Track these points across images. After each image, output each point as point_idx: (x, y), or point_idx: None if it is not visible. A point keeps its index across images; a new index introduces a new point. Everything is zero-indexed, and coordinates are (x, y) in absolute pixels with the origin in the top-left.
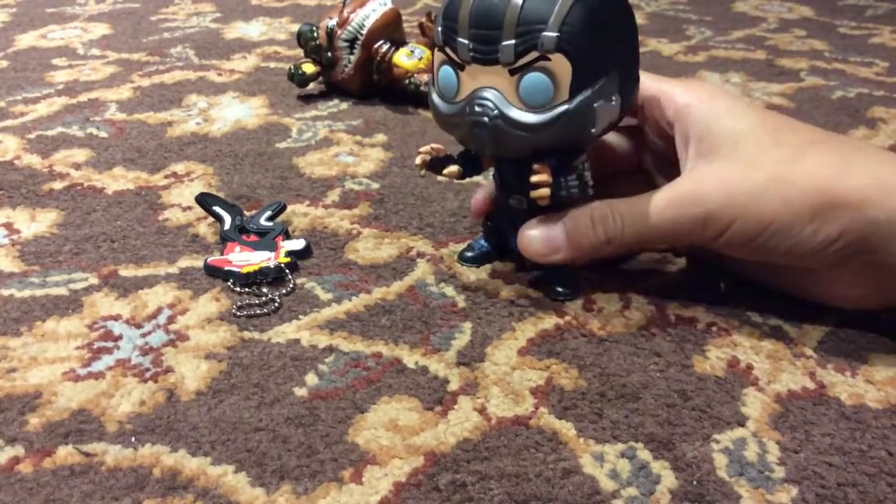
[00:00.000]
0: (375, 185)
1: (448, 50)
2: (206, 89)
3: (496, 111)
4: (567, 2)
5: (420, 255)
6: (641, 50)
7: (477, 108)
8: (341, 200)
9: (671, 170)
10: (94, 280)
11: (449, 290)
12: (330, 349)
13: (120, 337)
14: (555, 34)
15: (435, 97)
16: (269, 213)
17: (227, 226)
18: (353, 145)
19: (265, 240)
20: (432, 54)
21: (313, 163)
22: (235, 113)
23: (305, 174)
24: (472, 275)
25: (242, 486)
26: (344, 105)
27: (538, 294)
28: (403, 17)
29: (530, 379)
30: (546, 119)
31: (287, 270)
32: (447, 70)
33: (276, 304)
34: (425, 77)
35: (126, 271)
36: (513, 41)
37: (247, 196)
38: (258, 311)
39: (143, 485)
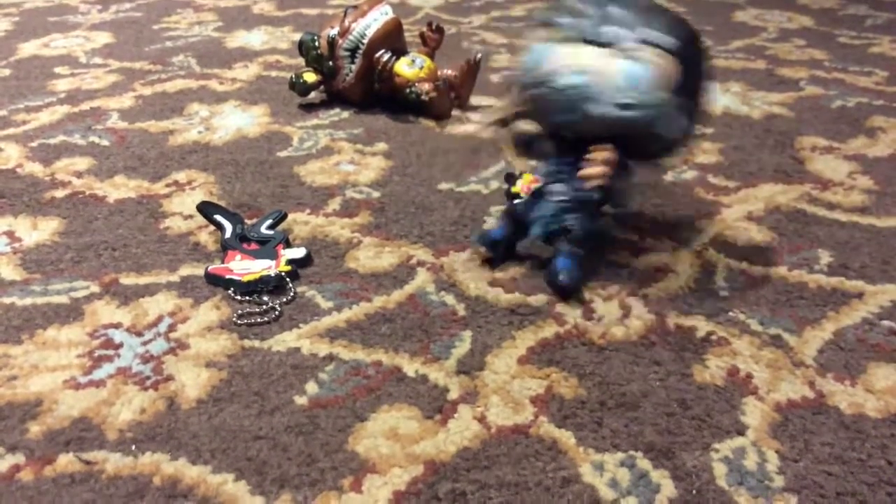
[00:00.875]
0: (376, 194)
1: None
2: (208, 98)
3: None
4: None
5: (420, 263)
6: None
7: None
8: (342, 209)
9: None
10: (95, 288)
11: (449, 299)
12: (330, 357)
13: (121, 345)
14: None
15: None
16: (269, 221)
17: (227, 234)
18: (354, 154)
19: (266, 248)
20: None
21: (314, 171)
22: (237, 121)
23: (306, 183)
24: (471, 283)
25: (243, 495)
26: (345, 114)
27: (538, 303)
28: (404, 27)
29: (530, 388)
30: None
31: (288, 279)
32: None
33: (277, 313)
34: (426, 86)
35: (127, 279)
36: None
37: (248, 204)
38: (259, 320)
39: (143, 493)
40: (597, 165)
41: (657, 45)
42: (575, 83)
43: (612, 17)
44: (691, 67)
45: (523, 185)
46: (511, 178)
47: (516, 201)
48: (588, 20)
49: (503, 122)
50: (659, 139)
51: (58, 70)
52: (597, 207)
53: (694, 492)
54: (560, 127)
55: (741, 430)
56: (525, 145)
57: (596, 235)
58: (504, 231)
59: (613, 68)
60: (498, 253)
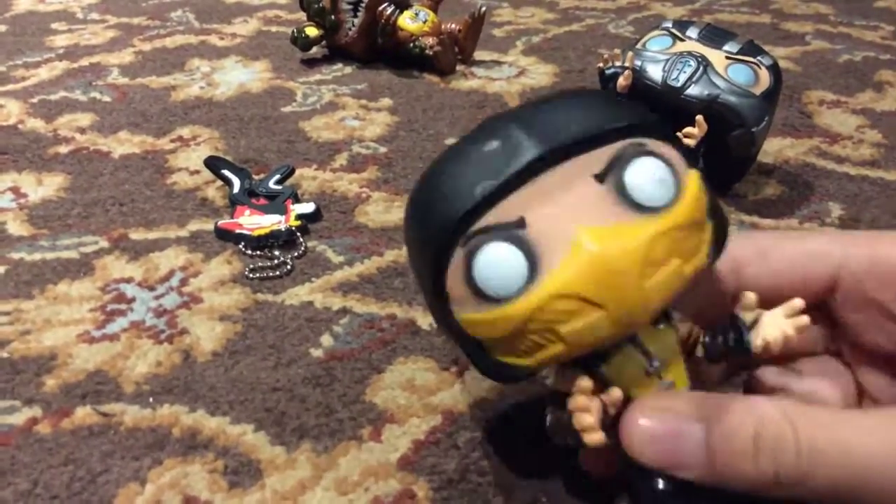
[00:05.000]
0: (383, 149)
1: None
2: (209, 53)
3: None
4: None
5: None
6: (644, 13)
7: None
8: (349, 164)
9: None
10: (104, 243)
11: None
12: (344, 311)
13: (133, 299)
14: None
15: None
16: (277, 176)
17: (236, 189)
18: (359, 109)
19: (275, 203)
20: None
21: (319, 127)
22: (239, 77)
23: (312, 138)
24: None
25: (262, 445)
26: (348, 69)
27: None
28: None
29: None
30: None
31: (298, 233)
32: None
33: (289, 267)
34: (430, 40)
35: (136, 234)
36: None
37: (254, 160)
38: (271, 274)
39: (162, 444)
40: (692, 136)
41: (759, 57)
42: (687, 62)
43: (718, 31)
44: (775, 85)
45: None
46: None
47: None
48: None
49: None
50: (742, 127)
51: (55, 26)
52: None
53: None
54: (659, 101)
55: None
56: None
57: None
58: None
59: (723, 62)
60: None
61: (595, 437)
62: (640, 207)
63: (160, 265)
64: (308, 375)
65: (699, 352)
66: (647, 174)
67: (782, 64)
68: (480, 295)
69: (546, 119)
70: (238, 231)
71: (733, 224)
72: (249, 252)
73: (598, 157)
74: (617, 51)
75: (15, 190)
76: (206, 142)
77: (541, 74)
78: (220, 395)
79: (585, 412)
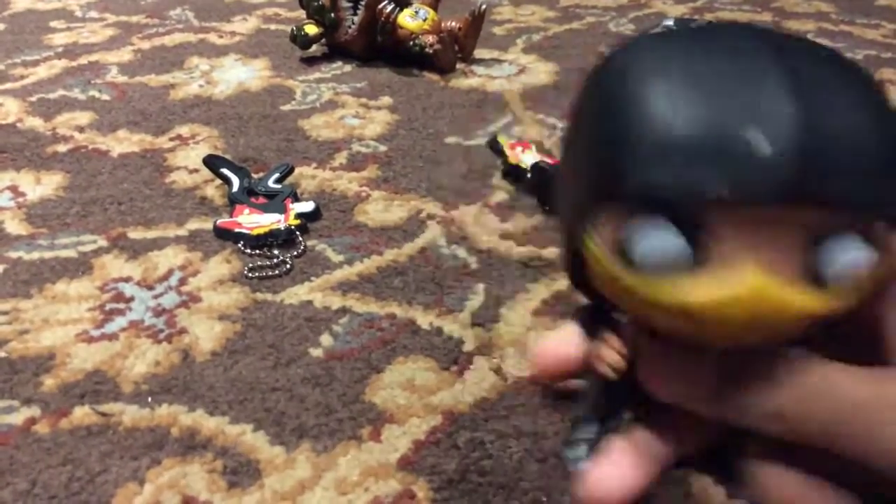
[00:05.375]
0: (383, 148)
1: None
2: (208, 51)
3: None
4: None
5: (430, 216)
6: (645, 11)
7: None
8: (349, 163)
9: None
10: (102, 242)
11: (461, 252)
12: (343, 310)
13: (132, 298)
14: None
15: None
16: (276, 175)
17: (235, 188)
18: (359, 108)
19: (274, 202)
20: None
21: (319, 125)
22: (238, 75)
23: (311, 137)
24: (483, 236)
25: (262, 445)
26: (347, 67)
27: (551, 255)
28: None
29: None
30: None
31: (297, 232)
32: None
33: (288, 266)
34: (430, 39)
35: (135, 233)
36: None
37: (253, 158)
38: (270, 273)
39: (161, 444)
40: None
41: None
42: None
43: None
44: None
45: (509, 153)
46: (496, 144)
47: None
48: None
49: None
50: None
51: (53, 24)
52: None
53: None
54: None
55: None
56: None
57: None
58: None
59: None
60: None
61: (610, 374)
62: (819, 283)
63: (159, 264)
64: (307, 375)
65: None
66: (852, 262)
67: None
68: (622, 251)
69: (835, 136)
70: (237, 230)
71: None
72: (248, 251)
73: (833, 216)
74: None
75: (13, 189)
76: (205, 140)
77: (541, 73)
78: (219, 395)
79: (617, 354)
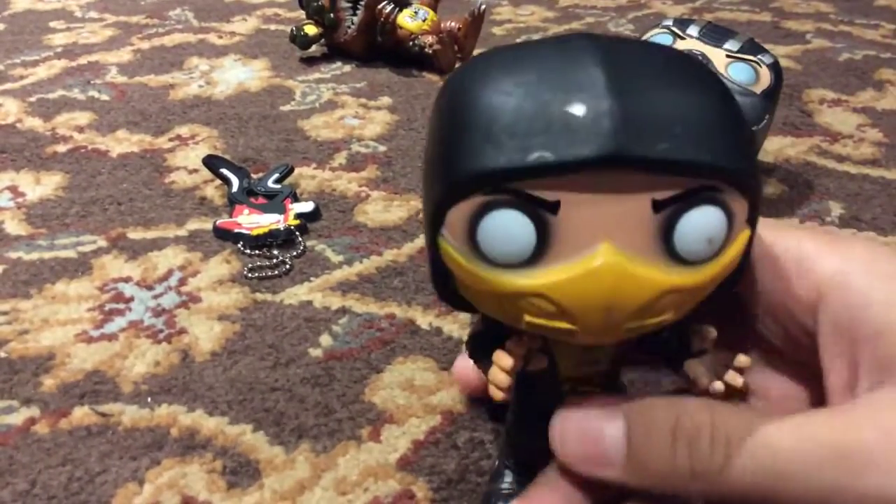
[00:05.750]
0: (382, 148)
1: None
2: (207, 52)
3: None
4: None
5: None
6: (644, 11)
7: None
8: (348, 163)
9: (795, 370)
10: (102, 242)
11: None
12: (343, 311)
13: (131, 299)
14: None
15: None
16: (276, 175)
17: (234, 188)
18: (359, 108)
19: (274, 202)
20: (436, 15)
21: (318, 125)
22: (238, 76)
23: (311, 137)
24: None
25: (261, 445)
26: (347, 67)
27: None
28: None
29: None
30: None
31: (297, 233)
32: None
33: (288, 266)
34: (429, 39)
35: (134, 234)
36: None
37: (253, 159)
38: (269, 273)
39: (161, 444)
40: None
41: (759, 55)
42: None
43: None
44: (776, 84)
45: None
46: None
47: None
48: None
49: None
50: None
51: (53, 24)
52: None
53: None
54: None
55: None
56: None
57: None
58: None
59: (724, 60)
60: None
61: (499, 395)
62: (673, 255)
63: (158, 265)
64: (307, 375)
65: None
66: (701, 228)
67: (783, 62)
68: (474, 246)
69: (652, 107)
70: (237, 230)
71: None
72: (248, 251)
73: (669, 182)
74: None
75: (13, 189)
76: (204, 140)
77: None
78: (219, 395)
79: (502, 372)
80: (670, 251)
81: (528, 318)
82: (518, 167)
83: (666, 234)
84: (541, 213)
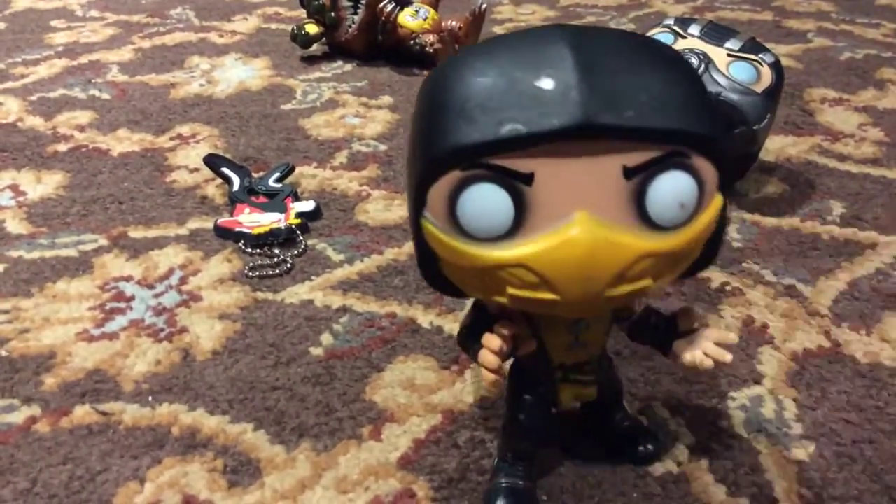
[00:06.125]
0: (383, 147)
1: None
2: (208, 51)
3: None
4: None
5: None
6: (646, 10)
7: None
8: (349, 162)
9: None
10: (103, 241)
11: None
12: (344, 309)
13: (132, 297)
14: None
15: None
16: (277, 174)
17: (235, 187)
18: (360, 107)
19: (274, 201)
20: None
21: (319, 125)
22: (239, 75)
23: (312, 136)
24: None
25: (262, 444)
26: (348, 66)
27: None
28: None
29: None
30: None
31: (298, 231)
32: None
33: (289, 265)
34: (430, 38)
35: (135, 232)
36: None
37: (254, 158)
38: (270, 272)
39: (162, 443)
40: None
41: (761, 54)
42: (688, 59)
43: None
44: (777, 83)
45: None
46: None
47: None
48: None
49: None
50: (744, 125)
51: (54, 23)
52: None
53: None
54: None
55: (758, 379)
56: None
57: None
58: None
59: (725, 59)
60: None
61: (489, 377)
62: (647, 221)
63: (159, 263)
64: (308, 374)
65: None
66: (672, 193)
67: (784, 62)
68: (455, 222)
69: (617, 81)
70: (238, 229)
71: (735, 223)
72: (249, 250)
73: (639, 148)
74: None
75: (14, 188)
76: (205, 139)
77: None
78: (220, 394)
79: (491, 353)
80: (644, 217)
81: (511, 290)
82: (491, 140)
83: (639, 200)
84: (517, 186)
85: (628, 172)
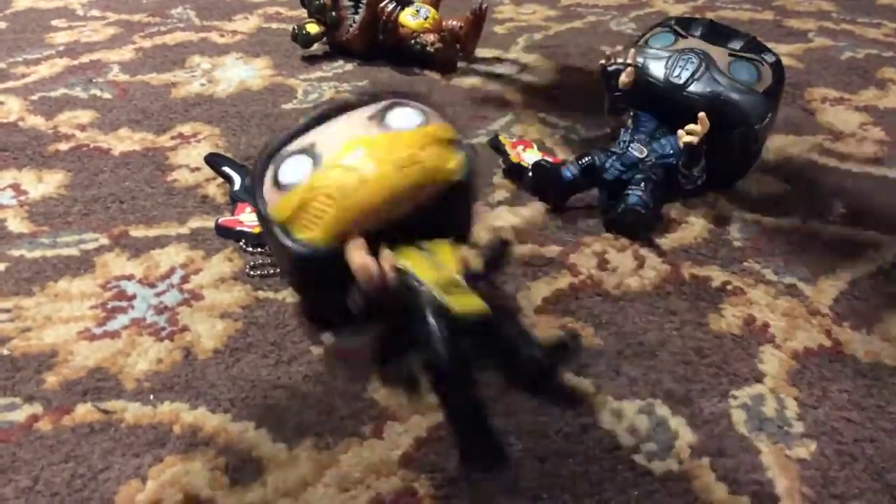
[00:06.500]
0: None
1: None
2: (209, 50)
3: None
4: None
5: None
6: (646, 10)
7: None
8: None
9: None
10: (104, 240)
11: (462, 250)
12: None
13: (134, 296)
14: None
15: None
16: None
17: (236, 186)
18: None
19: None
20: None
21: None
22: (239, 74)
23: None
24: (483, 234)
25: (264, 442)
26: (349, 66)
27: (552, 254)
28: None
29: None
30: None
31: None
32: None
33: None
34: (431, 37)
35: (136, 232)
36: None
37: (255, 157)
38: (271, 271)
39: (163, 441)
40: (695, 133)
41: (762, 54)
42: (689, 59)
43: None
44: (778, 82)
45: (511, 151)
46: (498, 143)
47: (586, 157)
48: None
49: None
50: (744, 124)
51: (55, 23)
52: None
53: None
54: (661, 98)
55: (759, 378)
56: (615, 109)
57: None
58: (573, 175)
59: (726, 59)
60: (560, 192)
61: (356, 261)
62: (391, 128)
63: (161, 262)
64: (309, 373)
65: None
66: (402, 112)
67: (785, 61)
68: (280, 187)
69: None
70: (239, 228)
71: (736, 222)
72: (250, 249)
73: (374, 107)
74: (619, 48)
75: (15, 187)
76: (206, 139)
77: (542, 72)
78: (221, 393)
79: (357, 249)
80: (388, 127)
81: (334, 192)
82: (285, 137)
83: (384, 123)
84: (309, 149)
85: (371, 118)
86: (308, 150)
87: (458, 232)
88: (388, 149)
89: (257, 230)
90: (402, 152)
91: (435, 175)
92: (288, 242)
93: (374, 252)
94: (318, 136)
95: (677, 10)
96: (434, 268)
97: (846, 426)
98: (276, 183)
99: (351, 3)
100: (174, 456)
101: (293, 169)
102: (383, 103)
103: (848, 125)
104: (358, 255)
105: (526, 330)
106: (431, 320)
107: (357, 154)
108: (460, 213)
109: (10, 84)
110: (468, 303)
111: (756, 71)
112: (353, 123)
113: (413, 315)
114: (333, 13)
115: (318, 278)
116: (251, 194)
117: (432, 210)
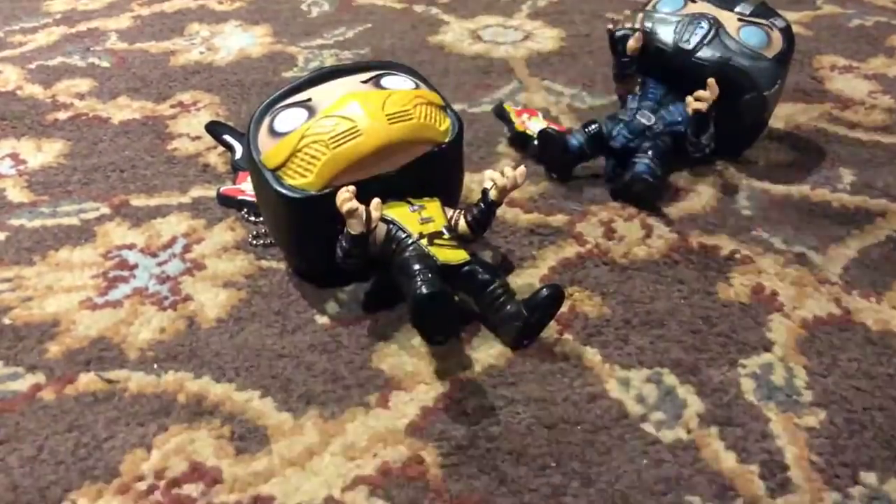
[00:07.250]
0: None
1: None
2: (208, 18)
3: None
4: None
5: None
6: None
7: None
8: None
9: None
10: (105, 210)
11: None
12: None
13: (136, 266)
14: None
15: None
16: None
17: (238, 155)
18: None
19: None
20: None
21: None
22: (239, 42)
23: None
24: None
25: (269, 411)
26: (350, 33)
27: (558, 223)
28: None
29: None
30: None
31: None
32: None
33: None
34: None
35: (138, 201)
36: None
37: None
38: (274, 241)
39: (168, 410)
40: (703, 99)
41: (771, 19)
42: (699, 24)
43: None
44: (788, 48)
45: (516, 120)
46: (503, 111)
47: (593, 125)
48: None
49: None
50: (754, 90)
51: None
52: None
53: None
54: (670, 64)
55: (768, 347)
56: (622, 76)
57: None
58: (579, 143)
59: (735, 24)
60: (566, 161)
61: (350, 203)
62: (385, 88)
63: (162, 232)
64: (314, 342)
65: (463, 228)
66: (395, 78)
67: (794, 28)
68: (275, 134)
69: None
70: (241, 197)
71: (744, 191)
72: (252, 218)
73: (369, 73)
74: (627, 13)
75: (14, 156)
76: (206, 107)
77: (546, 39)
78: (226, 362)
79: (346, 192)
80: (383, 87)
81: (329, 139)
82: (283, 91)
83: (377, 85)
84: (304, 103)
85: (365, 81)
86: (304, 103)
87: (447, 195)
88: (381, 103)
89: None
90: (395, 107)
91: (425, 132)
92: (279, 188)
93: (365, 203)
94: (314, 93)
95: None
96: (421, 221)
97: (855, 395)
98: (272, 131)
99: None
100: (179, 425)
101: (289, 119)
102: (378, 71)
103: (857, 93)
104: (346, 198)
105: (507, 284)
106: (414, 264)
107: (352, 106)
108: (450, 176)
109: (8, 53)
110: (452, 254)
111: (766, 36)
112: (349, 84)
113: (398, 265)
114: None
115: (306, 224)
116: (245, 144)
117: (422, 170)
